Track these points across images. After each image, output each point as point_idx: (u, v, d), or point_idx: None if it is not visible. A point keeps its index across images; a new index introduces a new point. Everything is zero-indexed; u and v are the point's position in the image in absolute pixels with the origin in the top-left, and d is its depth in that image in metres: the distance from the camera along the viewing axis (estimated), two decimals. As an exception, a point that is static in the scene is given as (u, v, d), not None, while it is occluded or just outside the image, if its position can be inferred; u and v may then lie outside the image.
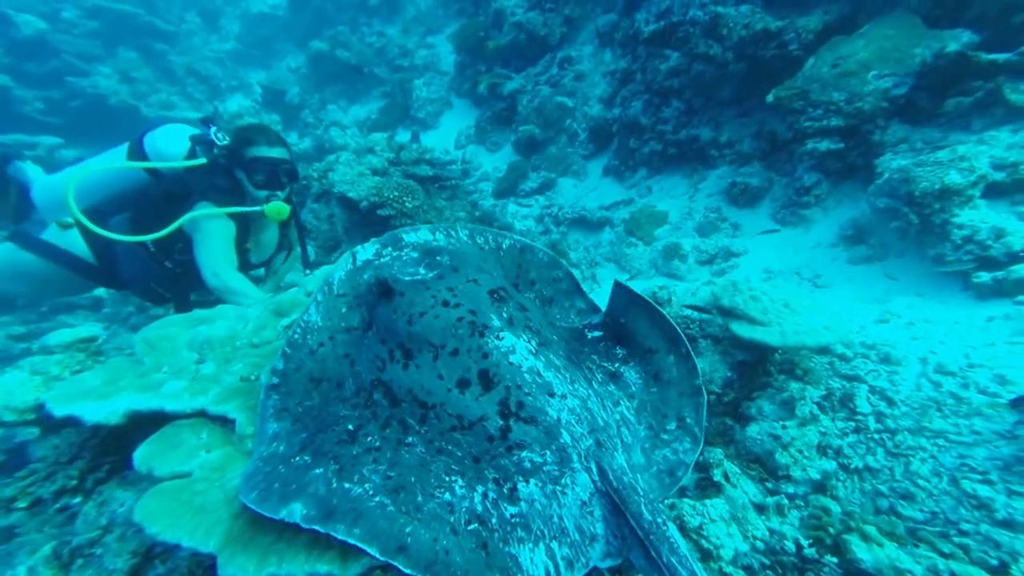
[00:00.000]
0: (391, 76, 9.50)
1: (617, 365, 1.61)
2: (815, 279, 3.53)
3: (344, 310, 1.62)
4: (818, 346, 2.53)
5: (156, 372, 1.84)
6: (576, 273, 5.35)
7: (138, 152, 2.98)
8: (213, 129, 2.93)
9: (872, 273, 3.23)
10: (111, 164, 2.92)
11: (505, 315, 1.49)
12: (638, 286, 4.96)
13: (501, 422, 1.32)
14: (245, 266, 3.00)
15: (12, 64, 7.46)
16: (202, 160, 2.85)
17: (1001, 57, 3.00)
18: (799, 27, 4.19)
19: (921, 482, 1.79)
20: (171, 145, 2.99)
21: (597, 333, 1.68)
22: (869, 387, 2.28)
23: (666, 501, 1.79)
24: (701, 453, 2.03)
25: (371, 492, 1.25)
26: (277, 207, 2.82)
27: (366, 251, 1.71)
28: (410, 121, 9.10)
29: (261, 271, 3.35)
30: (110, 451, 1.76)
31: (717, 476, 1.99)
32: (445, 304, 1.47)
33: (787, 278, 3.70)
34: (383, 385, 1.44)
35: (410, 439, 1.36)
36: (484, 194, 6.94)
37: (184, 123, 3.19)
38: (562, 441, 1.31)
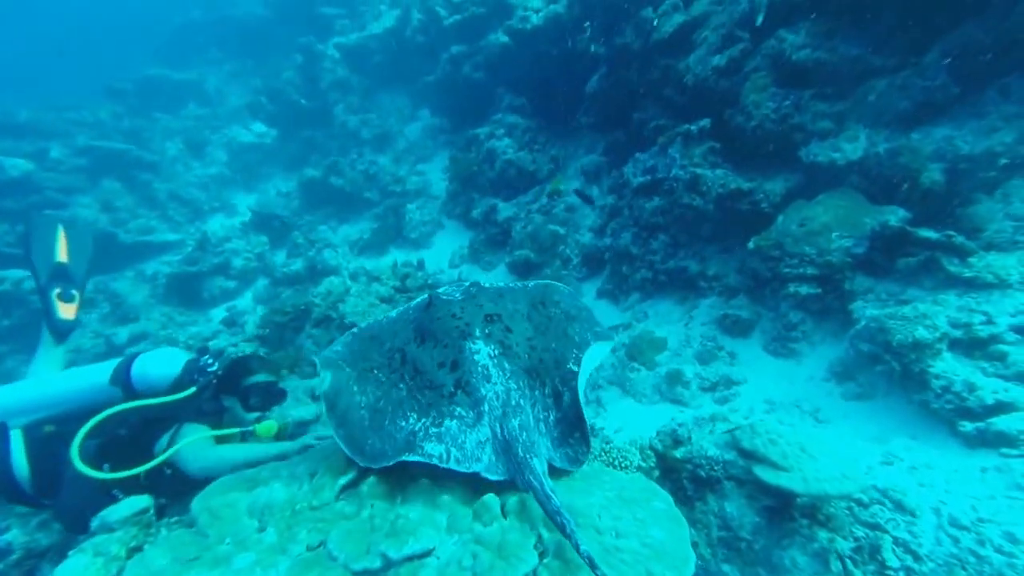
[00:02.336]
0: (383, 200, 10.18)
1: (564, 388, 2.38)
2: (815, 413, 3.99)
3: (410, 310, 2.72)
4: (841, 495, 2.87)
5: (220, 544, 1.87)
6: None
7: (125, 375, 3.02)
8: (206, 358, 3.06)
9: (866, 410, 3.73)
10: (92, 391, 2.99)
11: (487, 331, 2.43)
12: (646, 411, 5.29)
13: (452, 389, 2.24)
14: None
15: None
16: (192, 390, 2.89)
17: (933, 236, 3.78)
18: (766, 189, 5.05)
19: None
20: (163, 369, 3.05)
21: (572, 368, 2.44)
22: (893, 538, 2.61)
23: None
24: None
25: (362, 406, 2.25)
26: (268, 426, 2.95)
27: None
28: (402, 241, 9.66)
29: None
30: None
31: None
32: (453, 316, 2.48)
33: (789, 411, 4.15)
34: (403, 352, 2.44)
35: (400, 385, 2.32)
36: (487, 315, 7.33)
37: (178, 348, 3.31)
38: (481, 408, 2.18)
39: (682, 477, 3.30)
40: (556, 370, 2.41)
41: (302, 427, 3.80)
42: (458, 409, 2.20)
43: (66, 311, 3.53)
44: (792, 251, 4.56)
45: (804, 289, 4.44)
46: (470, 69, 9.63)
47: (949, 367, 3.26)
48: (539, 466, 1.98)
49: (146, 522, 2.25)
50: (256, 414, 3.05)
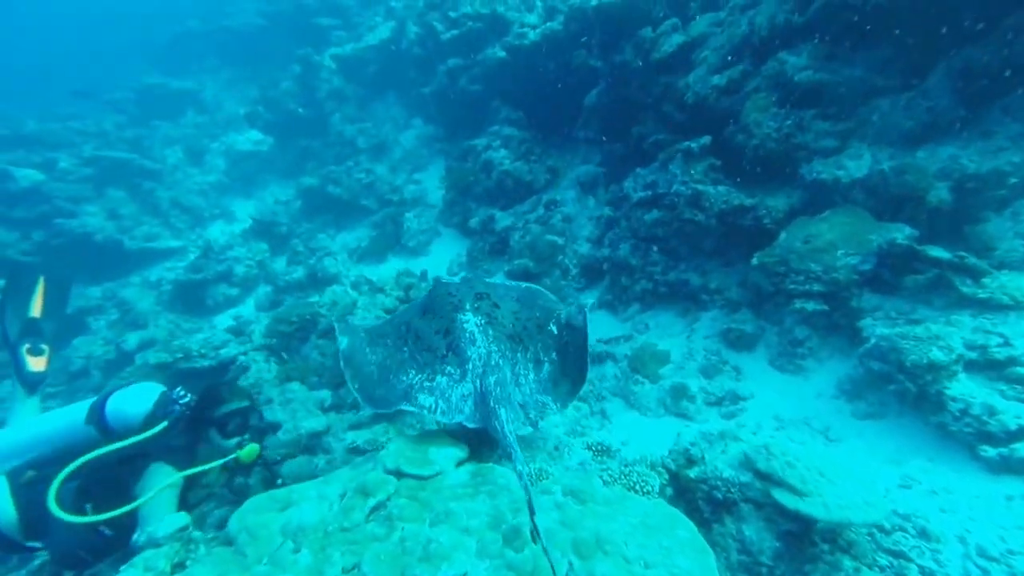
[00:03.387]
0: (381, 208, 10.11)
1: (544, 358, 2.85)
2: (826, 432, 3.94)
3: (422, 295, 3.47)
4: (865, 523, 2.80)
5: (259, 564, 1.93)
6: (584, 408, 5.58)
7: (99, 414, 3.00)
8: (178, 390, 3.05)
9: (878, 429, 3.68)
10: (69, 432, 2.98)
11: (476, 305, 2.93)
12: (651, 425, 5.20)
13: (444, 352, 2.74)
14: None
15: (2, 212, 7.48)
16: (163, 424, 2.86)
17: (944, 255, 3.78)
18: (769, 206, 5.05)
19: None
20: (136, 406, 3.02)
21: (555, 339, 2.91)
22: (919, 567, 2.54)
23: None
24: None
25: (372, 363, 2.78)
26: (251, 450, 2.95)
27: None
28: (400, 248, 9.58)
29: None
30: None
31: None
32: (449, 295, 3.04)
33: (799, 429, 4.09)
34: (408, 323, 2.99)
35: (404, 349, 2.83)
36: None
37: (152, 382, 3.27)
38: (467, 367, 2.64)
39: (697, 498, 3.21)
40: (539, 335, 2.90)
41: (315, 438, 3.69)
42: (448, 367, 2.67)
43: (36, 364, 3.54)
44: (797, 267, 4.54)
45: (810, 306, 4.41)
46: (467, 82, 9.61)
47: (966, 389, 3.23)
48: (504, 414, 2.37)
49: (187, 538, 2.34)
50: (236, 440, 3.00)
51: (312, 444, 3.35)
